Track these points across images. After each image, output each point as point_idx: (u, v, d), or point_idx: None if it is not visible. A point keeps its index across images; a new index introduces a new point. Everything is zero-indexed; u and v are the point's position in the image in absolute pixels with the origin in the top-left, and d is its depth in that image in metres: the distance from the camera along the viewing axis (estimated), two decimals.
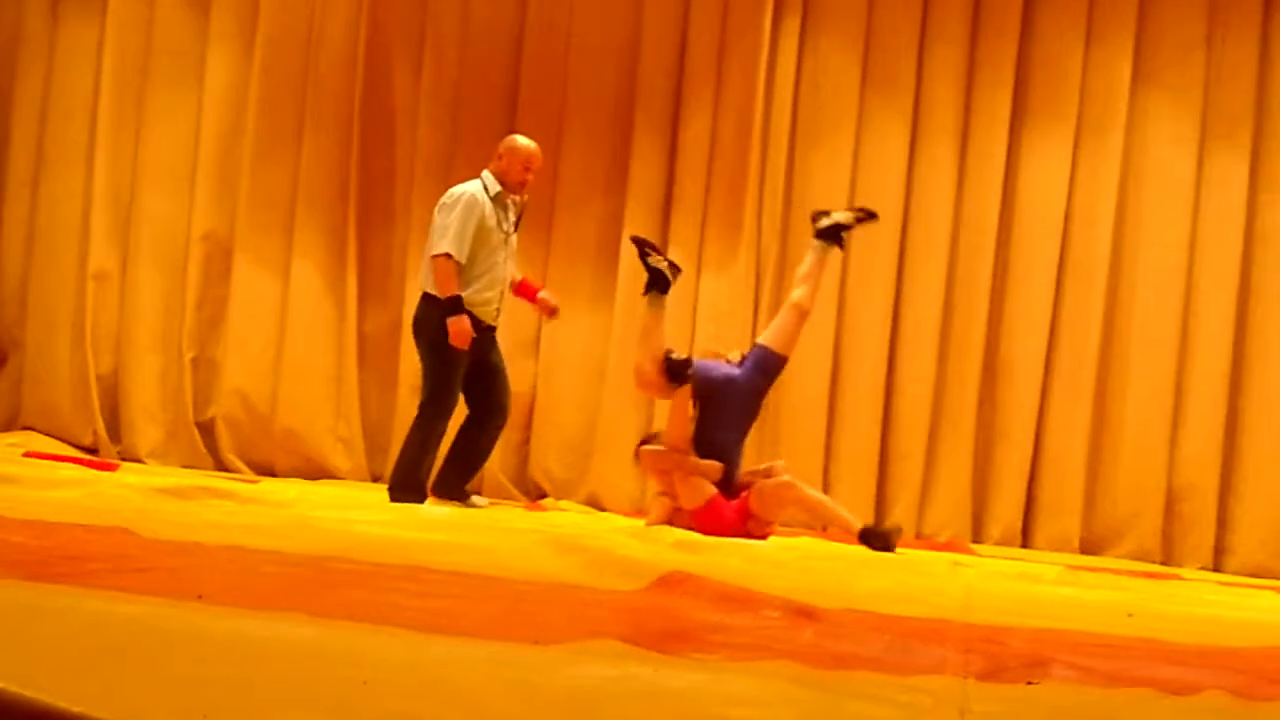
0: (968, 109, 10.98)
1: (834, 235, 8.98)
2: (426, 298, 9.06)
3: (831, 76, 11.07)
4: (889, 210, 10.89)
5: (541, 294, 9.44)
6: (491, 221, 8.99)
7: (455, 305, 8.78)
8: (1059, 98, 10.85)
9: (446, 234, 8.92)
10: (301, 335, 11.52)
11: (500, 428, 9.27)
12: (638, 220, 11.18)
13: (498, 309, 9.07)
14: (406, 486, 8.93)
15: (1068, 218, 10.83)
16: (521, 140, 9.07)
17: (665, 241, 11.20)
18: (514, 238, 9.22)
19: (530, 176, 9.14)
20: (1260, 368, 10.65)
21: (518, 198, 9.16)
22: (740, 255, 11.04)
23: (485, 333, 9.04)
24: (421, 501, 8.84)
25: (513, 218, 9.16)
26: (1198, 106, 10.73)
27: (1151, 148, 10.82)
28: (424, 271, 9.30)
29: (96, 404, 11.62)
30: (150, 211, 11.74)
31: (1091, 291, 10.75)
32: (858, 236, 10.80)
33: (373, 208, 11.69)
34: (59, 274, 11.89)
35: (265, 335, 11.59)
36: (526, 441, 11.17)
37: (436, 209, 9.21)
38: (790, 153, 11.12)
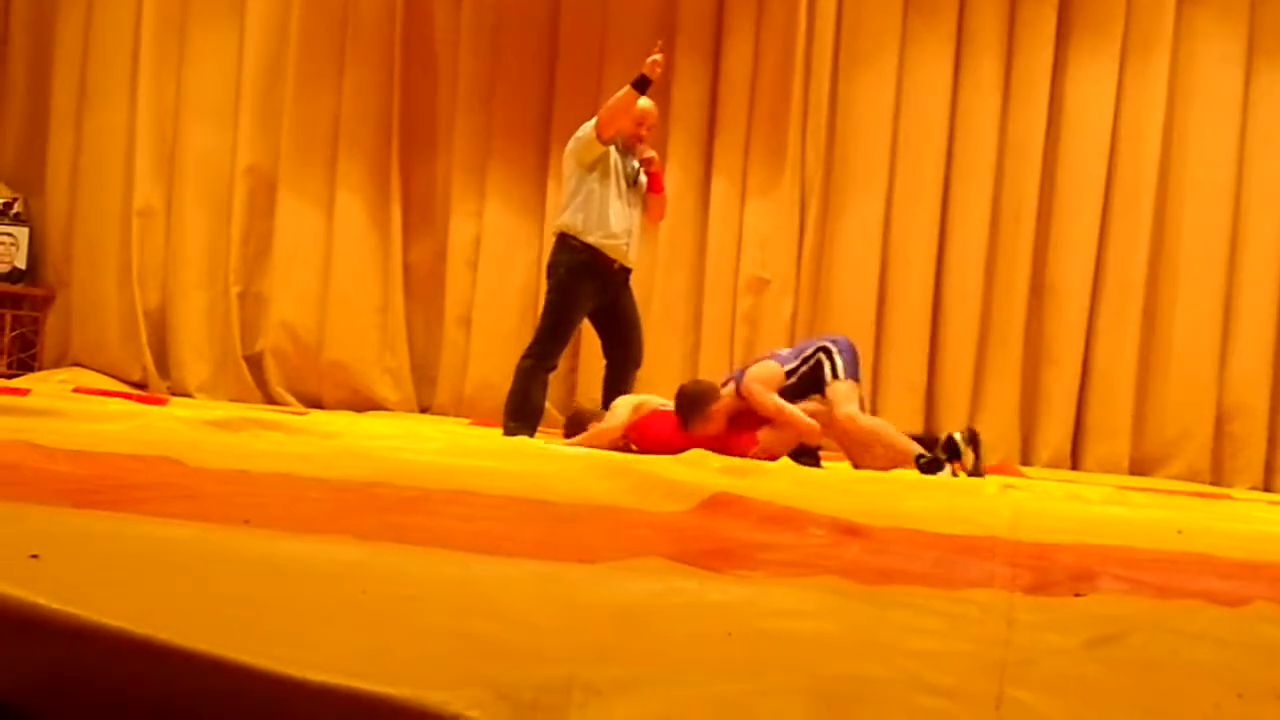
0: (1012, 28, 10.91)
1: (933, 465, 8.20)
2: (560, 238, 9.03)
3: None
4: (933, 132, 10.86)
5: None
6: (616, 159, 8.96)
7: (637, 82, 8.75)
8: (1104, 16, 10.77)
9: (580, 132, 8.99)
10: (347, 267, 11.57)
11: (635, 370, 9.20)
12: (681, 148, 11.19)
13: (627, 246, 9.00)
14: (519, 416, 8.90)
15: (1114, 137, 10.76)
16: (644, 100, 8.99)
17: (709, 169, 11.22)
18: (642, 187, 9.15)
19: (644, 132, 9.07)
20: None
21: (640, 147, 9.09)
22: (785, 181, 11.02)
23: (616, 274, 9.02)
24: (531, 434, 8.80)
25: (635, 166, 9.09)
26: (1244, 23, 10.63)
27: (1198, 65, 10.73)
28: (560, 210, 9.25)
29: (144, 340, 11.71)
30: (194, 147, 11.80)
31: (1139, 211, 10.69)
32: (902, 157, 10.79)
33: (415, 139, 11.71)
34: (104, 211, 11.96)
35: (311, 268, 11.64)
36: (574, 370, 11.18)
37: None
38: (834, 76, 11.08)
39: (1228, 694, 2.32)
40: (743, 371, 8.62)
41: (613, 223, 8.89)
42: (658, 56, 8.65)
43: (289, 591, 2.63)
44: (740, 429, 8.32)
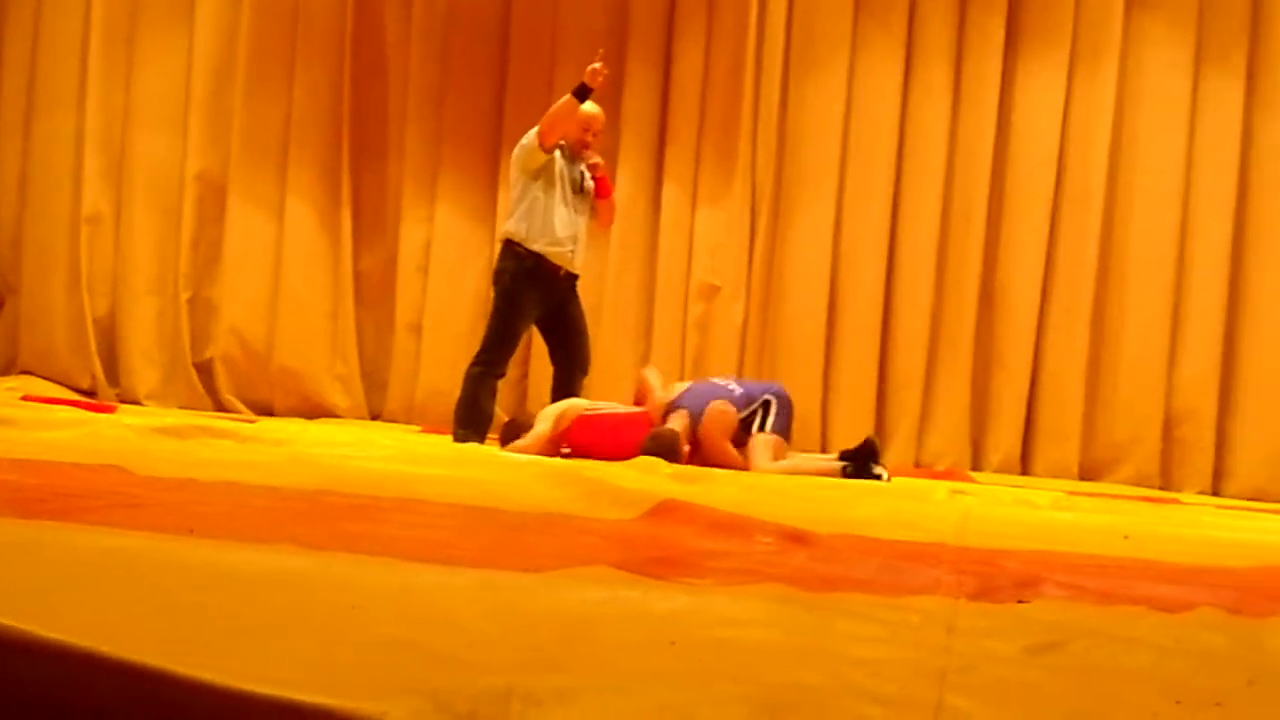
0: (961, 34, 10.93)
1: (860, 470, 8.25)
2: (505, 245, 9.03)
3: (824, 3, 11.00)
4: (884, 138, 10.89)
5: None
6: (561, 166, 8.98)
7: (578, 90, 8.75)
8: (1053, 22, 10.79)
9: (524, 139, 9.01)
10: (297, 274, 11.54)
11: (582, 376, 9.18)
12: (632, 154, 11.18)
13: (572, 253, 9.02)
14: (463, 423, 8.91)
15: (1063, 143, 10.79)
16: (589, 104, 8.99)
17: (660, 175, 11.22)
18: (589, 193, 9.16)
19: (589, 138, 9.09)
20: (1257, 291, 10.61)
21: (585, 153, 9.10)
22: (735, 187, 11.02)
23: (562, 281, 9.03)
24: (481, 441, 8.81)
25: (582, 172, 9.10)
26: (1192, 30, 10.66)
27: (1146, 72, 10.76)
28: (504, 219, 9.27)
29: (94, 347, 11.66)
30: (143, 152, 11.76)
31: (1088, 216, 10.72)
32: (853, 164, 10.82)
33: (366, 144, 11.68)
34: (53, 217, 11.91)
35: (261, 274, 11.60)
36: (525, 377, 11.17)
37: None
38: (784, 83, 11.07)
39: (1166, 701, 2.34)
40: (701, 391, 8.62)
41: (558, 229, 8.91)
42: (598, 65, 8.66)
43: (232, 601, 2.63)
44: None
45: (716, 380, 8.91)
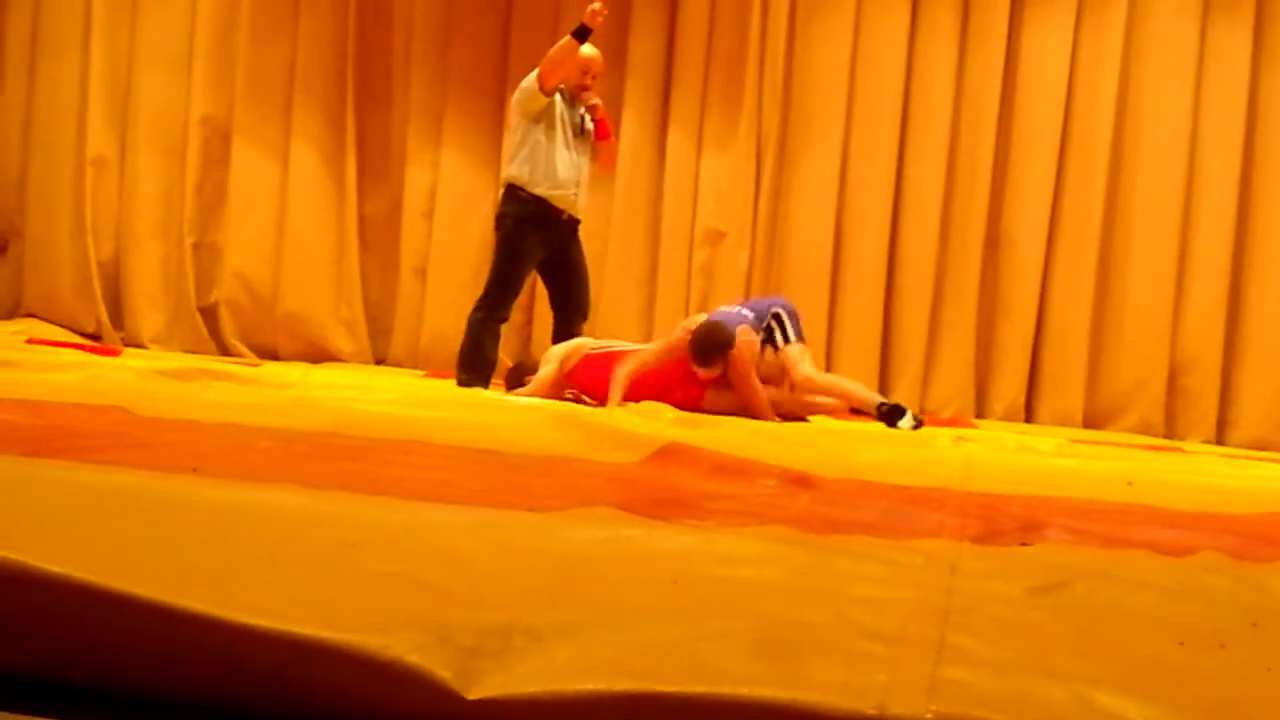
0: None
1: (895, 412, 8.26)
2: (508, 190, 9.02)
3: None
4: (890, 83, 10.85)
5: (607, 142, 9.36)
6: (562, 109, 8.95)
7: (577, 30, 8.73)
8: None
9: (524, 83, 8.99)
10: (302, 218, 11.52)
11: (581, 321, 9.15)
12: (637, 99, 11.14)
13: (575, 196, 9.00)
14: (471, 368, 8.92)
15: (1070, 89, 10.74)
16: (586, 47, 8.95)
17: (665, 120, 11.18)
18: (590, 135, 9.14)
19: (589, 80, 9.05)
20: (1263, 240, 10.59)
21: (585, 96, 9.08)
22: (741, 132, 10.98)
23: (563, 225, 9.02)
24: (486, 385, 8.83)
25: (582, 115, 9.08)
26: None
27: (1154, 18, 10.71)
28: (506, 163, 9.25)
29: (98, 290, 11.64)
30: (147, 96, 11.72)
31: (1094, 165, 10.68)
32: (859, 110, 10.80)
33: (370, 89, 11.64)
34: (57, 161, 11.88)
35: (265, 219, 11.58)
36: (529, 322, 11.16)
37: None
38: (790, 27, 11.02)
39: (1169, 642, 2.33)
40: (721, 318, 8.58)
41: (560, 173, 8.89)
42: (597, 5, 8.63)
43: (233, 538, 2.63)
44: (689, 384, 8.33)
45: (726, 309, 8.87)
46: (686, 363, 8.30)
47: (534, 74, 8.86)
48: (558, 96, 8.91)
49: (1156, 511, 4.45)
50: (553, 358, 8.47)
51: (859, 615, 2.31)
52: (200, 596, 2.07)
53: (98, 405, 5.18)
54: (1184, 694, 1.99)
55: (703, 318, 8.67)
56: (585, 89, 9.04)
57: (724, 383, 8.35)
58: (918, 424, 8.16)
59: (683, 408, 7.96)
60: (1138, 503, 4.70)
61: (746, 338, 8.34)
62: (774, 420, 8.23)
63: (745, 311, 8.72)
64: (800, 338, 8.59)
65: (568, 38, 8.69)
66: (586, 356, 8.44)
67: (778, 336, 8.50)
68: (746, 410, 8.23)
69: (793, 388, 8.49)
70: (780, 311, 8.60)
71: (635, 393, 8.08)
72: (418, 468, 4.11)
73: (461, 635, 1.99)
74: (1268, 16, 10.57)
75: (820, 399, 8.57)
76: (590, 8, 8.60)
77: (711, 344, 8.19)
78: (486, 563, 2.57)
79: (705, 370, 8.20)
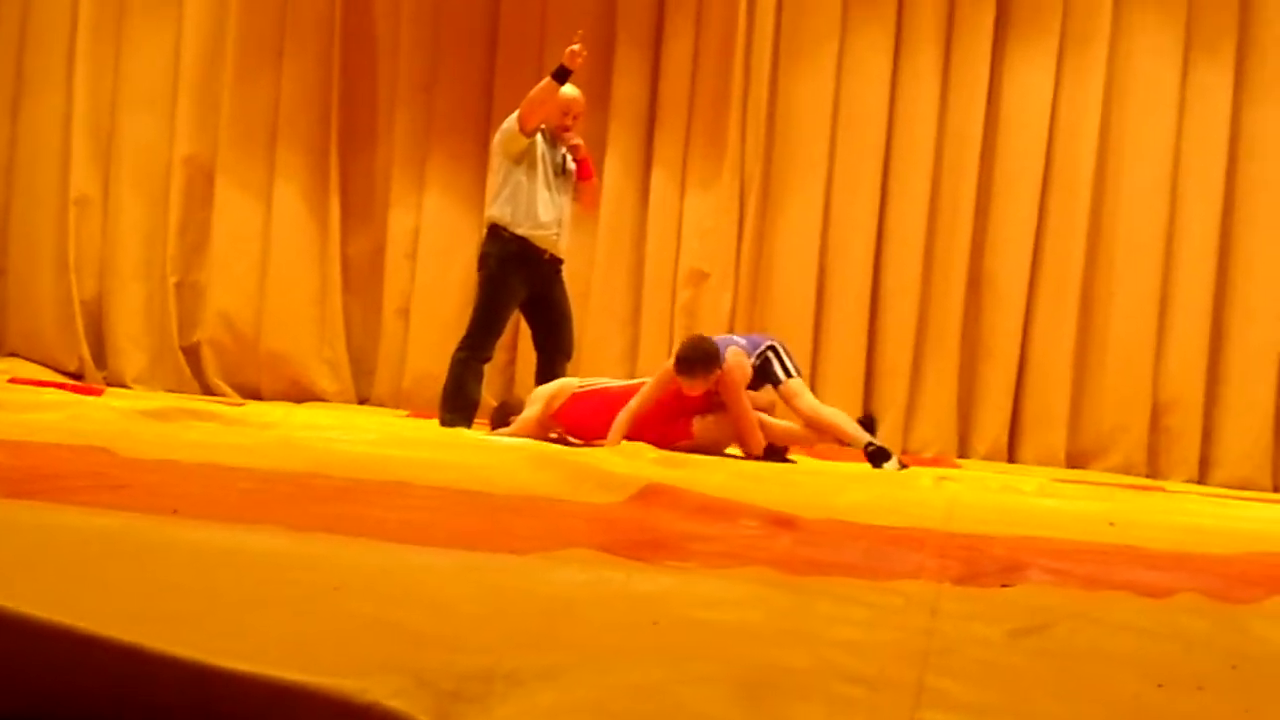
0: (951, 20, 10.96)
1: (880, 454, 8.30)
2: (490, 230, 9.04)
3: None
4: (873, 124, 10.90)
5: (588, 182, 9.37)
6: (543, 149, 8.98)
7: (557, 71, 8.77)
8: (1042, 10, 10.83)
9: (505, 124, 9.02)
10: (285, 258, 11.54)
11: (565, 361, 9.14)
12: (621, 140, 11.19)
13: (557, 236, 9.02)
14: (455, 408, 8.94)
15: (1052, 130, 10.82)
16: (568, 88, 8.97)
17: (649, 160, 11.22)
18: (571, 175, 9.15)
19: (569, 121, 9.06)
20: (1244, 280, 10.65)
21: (566, 136, 9.09)
22: (724, 173, 11.03)
23: (546, 265, 9.03)
24: (470, 425, 8.84)
25: (564, 155, 9.09)
26: (1181, 18, 10.69)
27: (1135, 60, 10.79)
28: (489, 203, 9.27)
29: (81, 330, 11.66)
30: (131, 136, 11.75)
31: (1076, 204, 10.74)
32: (842, 150, 10.83)
33: (354, 130, 11.68)
34: (41, 200, 11.91)
35: (249, 259, 11.60)
36: (512, 362, 11.17)
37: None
38: (774, 68, 11.09)
39: (1148, 684, 2.34)
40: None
41: (541, 213, 8.91)
42: (576, 46, 8.66)
43: (213, 580, 2.62)
44: (677, 415, 8.34)
45: (717, 337, 8.88)
46: (674, 396, 8.32)
47: (514, 115, 8.88)
48: (539, 137, 8.93)
49: (1138, 552, 4.46)
50: (538, 398, 8.48)
51: (839, 658, 2.31)
52: (179, 640, 2.06)
53: (79, 446, 5.17)
54: None
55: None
56: (567, 129, 9.06)
57: (712, 410, 8.35)
58: (902, 467, 8.18)
59: (672, 440, 8.00)
60: (1119, 543, 4.70)
61: (738, 359, 8.36)
62: (761, 443, 8.26)
63: (736, 338, 8.75)
64: (798, 372, 8.63)
65: (547, 79, 8.71)
66: (573, 395, 8.45)
67: (777, 369, 8.53)
68: (736, 433, 8.25)
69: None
70: (777, 346, 8.63)
71: (628, 429, 8.10)
72: (400, 509, 4.10)
73: (442, 679, 1.98)
74: (1248, 57, 10.64)
75: (799, 429, 8.57)
76: (569, 49, 8.64)
77: (698, 355, 8.23)
78: (467, 606, 2.56)
79: (690, 383, 8.21)
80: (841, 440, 8.40)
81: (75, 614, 2.13)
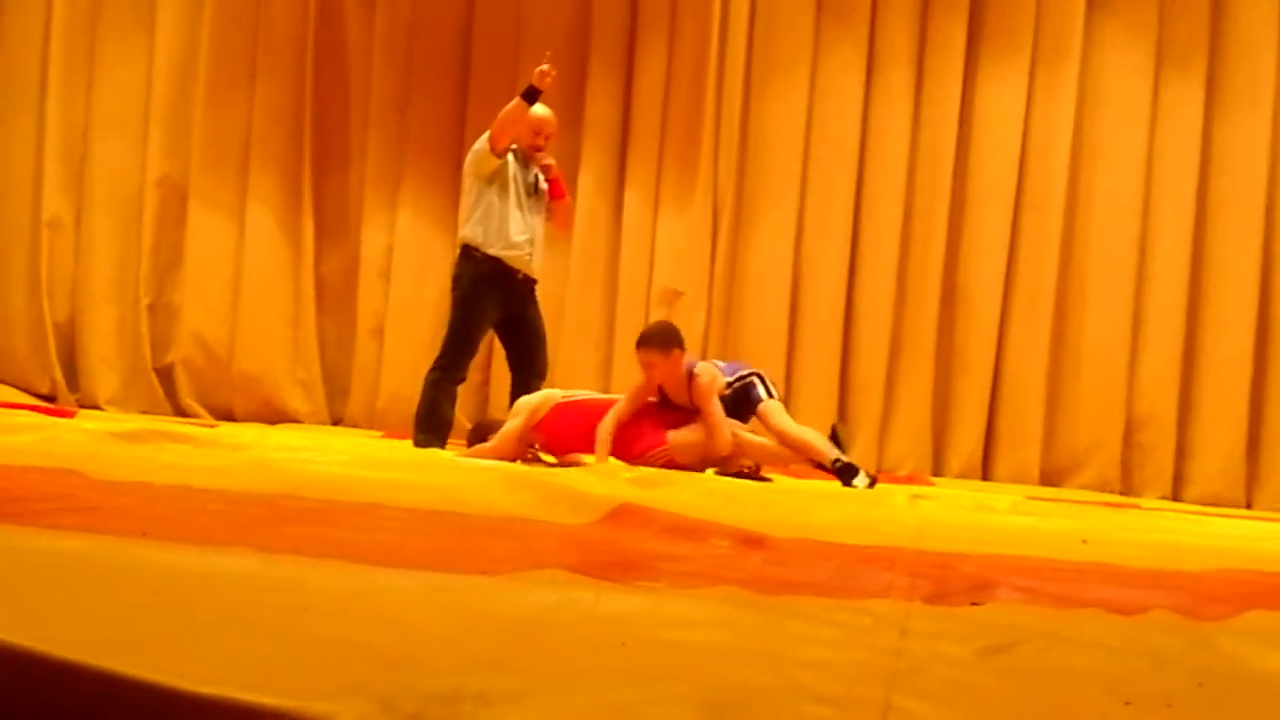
0: (923, 39, 10.97)
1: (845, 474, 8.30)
2: (463, 250, 9.05)
3: (785, 8, 11.02)
4: (846, 143, 10.92)
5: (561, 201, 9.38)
6: (515, 170, 8.99)
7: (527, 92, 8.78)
8: (1014, 27, 10.84)
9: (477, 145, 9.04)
10: (258, 279, 11.51)
11: (538, 382, 9.11)
12: (594, 159, 11.19)
13: (529, 256, 9.03)
14: (427, 429, 8.95)
15: (1024, 146, 10.84)
16: (538, 107, 8.99)
17: (622, 180, 11.22)
18: (544, 195, 9.15)
19: (541, 141, 9.06)
20: (1217, 296, 10.67)
21: (538, 156, 9.08)
22: (697, 193, 11.03)
23: (519, 285, 9.04)
24: (443, 445, 8.83)
25: (536, 175, 9.10)
26: (1152, 34, 10.72)
27: (1107, 76, 10.82)
28: (461, 224, 9.30)
29: (54, 351, 11.61)
30: (103, 158, 11.72)
31: (1049, 220, 10.77)
32: (815, 169, 10.84)
33: (327, 150, 11.66)
34: (12, 222, 11.87)
35: (222, 280, 11.57)
36: (486, 382, 11.17)
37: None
38: (746, 87, 11.10)
39: (1116, 702, 2.34)
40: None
41: (513, 233, 8.91)
42: (545, 66, 8.67)
43: (182, 603, 2.62)
44: (652, 426, 8.35)
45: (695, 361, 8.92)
46: (648, 409, 8.37)
47: (485, 136, 8.89)
48: (510, 157, 8.94)
49: (1110, 570, 4.46)
50: (522, 409, 8.46)
51: (807, 678, 2.31)
52: (147, 663, 2.06)
53: (50, 468, 5.15)
54: None
55: None
56: (538, 149, 9.06)
57: (685, 424, 8.38)
58: (872, 482, 8.18)
59: (646, 452, 8.06)
60: (1092, 561, 4.70)
61: (711, 372, 8.44)
62: (728, 445, 8.30)
63: (718, 363, 8.81)
64: (776, 395, 8.68)
65: (517, 99, 8.72)
66: (556, 406, 8.46)
67: (760, 391, 8.59)
68: (708, 441, 8.27)
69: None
70: (762, 374, 8.73)
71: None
72: (371, 530, 4.10)
73: (407, 701, 1.98)
74: (1220, 71, 10.68)
75: (774, 446, 8.58)
76: (539, 69, 8.64)
77: (655, 330, 8.54)
78: (435, 628, 2.57)
79: (647, 357, 8.34)
80: (813, 460, 8.40)
81: (43, 638, 2.13)
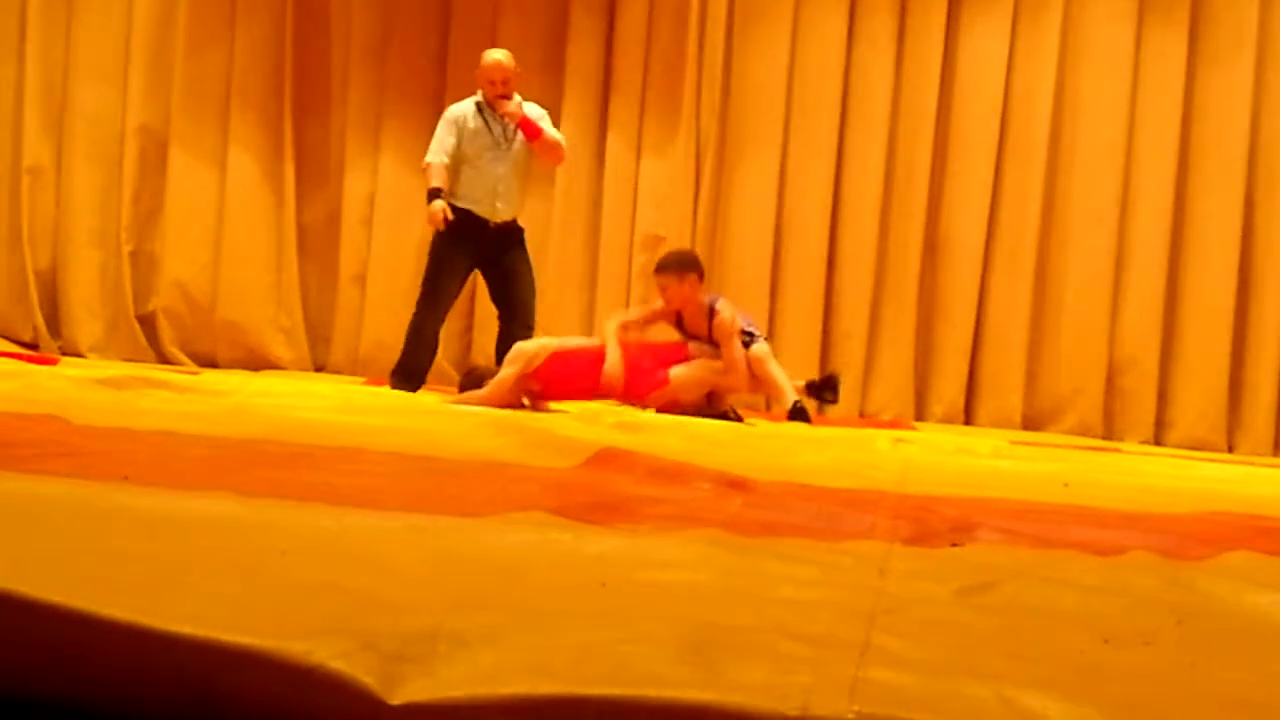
0: None
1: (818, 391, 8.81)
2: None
3: None
4: (828, 89, 10.90)
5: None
6: (475, 125, 9.09)
7: (433, 195, 8.94)
8: None
9: (431, 145, 9.19)
10: (240, 226, 11.50)
11: (523, 330, 9.12)
12: (576, 104, 11.16)
13: (496, 206, 9.08)
14: (399, 374, 9.10)
15: (1007, 95, 10.85)
16: (486, 55, 9.03)
17: (604, 126, 11.20)
18: (516, 141, 9.14)
19: (500, 87, 9.07)
20: (1199, 242, 10.70)
21: (501, 103, 9.07)
22: (680, 138, 11.03)
23: (492, 232, 9.10)
24: (414, 390, 8.89)
25: (504, 124, 9.09)
26: None
27: (1089, 24, 10.82)
28: None
29: (35, 299, 11.60)
30: (83, 105, 11.69)
31: (1031, 168, 10.78)
32: (797, 115, 10.82)
33: (308, 97, 11.63)
34: None
35: (203, 227, 11.56)
36: (469, 329, 11.16)
37: None
38: (728, 33, 11.09)
39: (1094, 640, 2.34)
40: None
41: (472, 184, 9.08)
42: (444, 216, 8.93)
43: (159, 546, 2.61)
44: (656, 364, 8.40)
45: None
46: (651, 350, 8.48)
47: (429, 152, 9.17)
48: (470, 112, 9.11)
49: (1091, 512, 4.47)
50: (518, 356, 8.42)
51: (785, 617, 2.31)
52: (124, 604, 2.06)
53: (31, 414, 5.14)
54: (1106, 691, 2.00)
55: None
56: (502, 96, 9.05)
57: (685, 361, 8.44)
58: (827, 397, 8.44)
59: (648, 393, 8.30)
60: (1073, 503, 4.72)
61: (733, 311, 8.62)
62: (745, 387, 8.66)
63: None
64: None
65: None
66: (553, 354, 8.46)
67: (756, 332, 8.79)
68: (725, 377, 8.41)
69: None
70: (749, 320, 8.86)
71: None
72: (352, 474, 4.09)
73: (385, 641, 1.98)
74: (1202, 20, 10.67)
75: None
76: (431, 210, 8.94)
77: (674, 256, 8.89)
78: (414, 568, 2.56)
79: (664, 281, 8.60)
80: (772, 397, 8.61)
81: (18, 579, 2.12)
